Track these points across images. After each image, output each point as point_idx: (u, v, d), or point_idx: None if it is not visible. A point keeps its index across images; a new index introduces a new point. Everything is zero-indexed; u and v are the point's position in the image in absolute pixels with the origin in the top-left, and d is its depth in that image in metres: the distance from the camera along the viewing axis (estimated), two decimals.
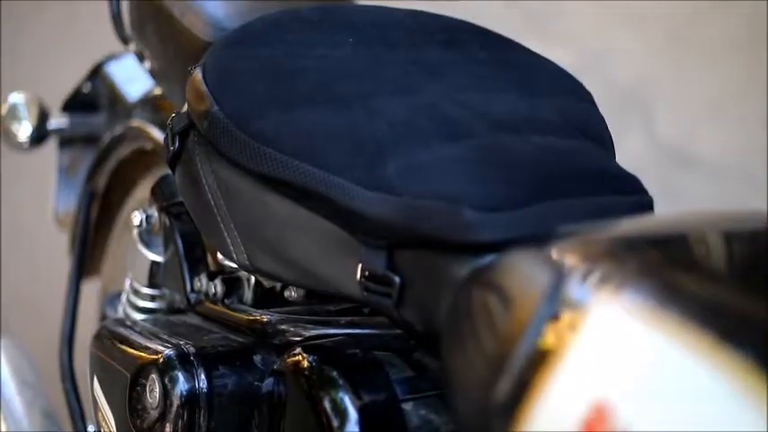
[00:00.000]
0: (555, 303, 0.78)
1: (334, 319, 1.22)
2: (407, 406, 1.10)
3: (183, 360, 1.21)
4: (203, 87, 1.17)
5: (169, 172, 1.44)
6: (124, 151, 1.73)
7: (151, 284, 1.45)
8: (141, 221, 1.42)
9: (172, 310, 1.45)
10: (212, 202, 1.19)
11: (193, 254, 1.37)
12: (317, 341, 1.17)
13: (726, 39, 2.66)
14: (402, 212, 1.04)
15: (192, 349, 1.22)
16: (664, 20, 2.75)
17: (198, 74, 1.19)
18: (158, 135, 1.60)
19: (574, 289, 0.79)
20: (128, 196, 1.79)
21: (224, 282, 1.32)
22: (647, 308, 0.75)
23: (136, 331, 1.32)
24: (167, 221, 1.40)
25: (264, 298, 1.31)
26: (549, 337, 0.77)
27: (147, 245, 1.44)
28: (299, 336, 1.22)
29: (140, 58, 1.57)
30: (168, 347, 1.23)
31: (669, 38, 2.70)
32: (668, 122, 2.60)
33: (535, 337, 0.78)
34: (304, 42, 1.24)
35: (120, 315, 1.50)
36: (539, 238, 0.99)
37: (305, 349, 1.15)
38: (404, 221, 1.04)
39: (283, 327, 1.23)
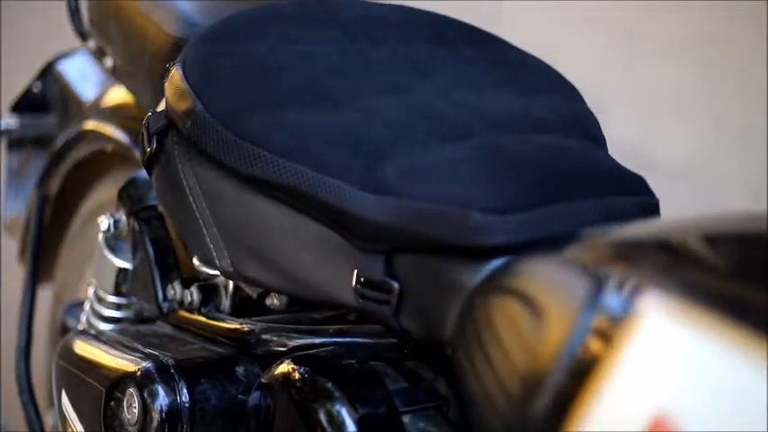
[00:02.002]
0: (594, 313, 0.74)
1: (321, 327, 1.16)
2: (406, 418, 1.05)
3: (163, 373, 1.15)
4: (185, 85, 1.11)
5: (137, 174, 1.38)
6: (80, 153, 1.66)
7: (117, 292, 1.38)
8: (109, 226, 1.35)
9: (139, 319, 1.38)
10: (194, 206, 1.13)
11: (165, 260, 1.31)
12: (306, 351, 1.12)
13: (680, 38, 2.65)
14: (403, 216, 1.00)
15: (171, 361, 1.16)
16: (617, 20, 2.73)
17: (178, 71, 1.13)
18: (120, 136, 1.54)
19: (613, 297, 0.74)
20: (83, 200, 1.71)
21: (200, 289, 1.26)
22: (690, 311, 0.71)
23: (106, 342, 1.25)
24: (136, 226, 1.33)
25: (243, 306, 1.25)
26: (593, 349, 0.72)
27: (114, 251, 1.37)
28: (284, 346, 1.16)
29: (100, 55, 1.50)
30: (145, 359, 1.17)
31: (623, 38, 2.68)
32: (622, 122, 2.58)
33: (576, 349, 0.73)
34: (287, 38, 1.18)
35: (83, 324, 1.43)
36: (551, 242, 0.95)
37: (294, 360, 1.09)
38: (405, 225, 1.00)
39: (266, 336, 1.18)
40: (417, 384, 1.09)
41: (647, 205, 1.04)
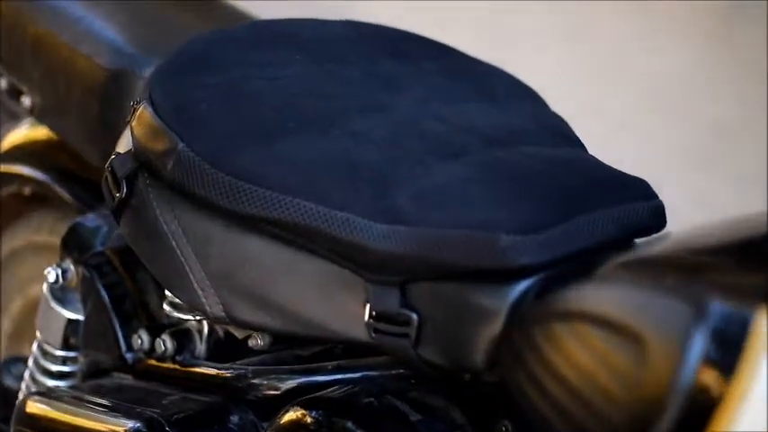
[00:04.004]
0: (705, 338, 0.71)
1: (317, 366, 1.11)
2: None
3: (156, 430, 1.07)
4: (159, 123, 1.05)
5: (78, 220, 1.31)
6: None
7: (67, 346, 1.30)
8: (57, 277, 1.27)
9: (91, 372, 1.29)
10: (177, 251, 1.06)
11: (123, 308, 1.23)
12: (313, 394, 1.06)
13: (539, 33, 2.67)
14: (422, 244, 0.96)
15: (160, 416, 1.09)
16: (469, 18, 2.73)
17: (146, 108, 1.06)
18: (40, 176, 1.44)
19: (722, 318, 0.72)
20: None
21: (172, 336, 1.18)
22: None
23: (71, 402, 1.17)
24: (87, 274, 1.25)
25: (219, 350, 1.18)
26: (712, 375, 0.70)
27: (62, 302, 1.28)
28: (277, 389, 1.11)
29: (15, 94, 1.40)
30: (130, 417, 1.10)
31: (477, 35, 2.68)
32: None
33: (693, 378, 0.70)
34: (251, 64, 1.13)
35: (27, 381, 1.34)
36: (585, 259, 0.93)
37: (303, 404, 1.04)
38: (424, 253, 0.96)
39: (256, 381, 1.12)
40: (434, 414, 1.05)
41: (658, 209, 1.02)
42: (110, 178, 1.09)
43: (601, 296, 0.82)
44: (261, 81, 1.10)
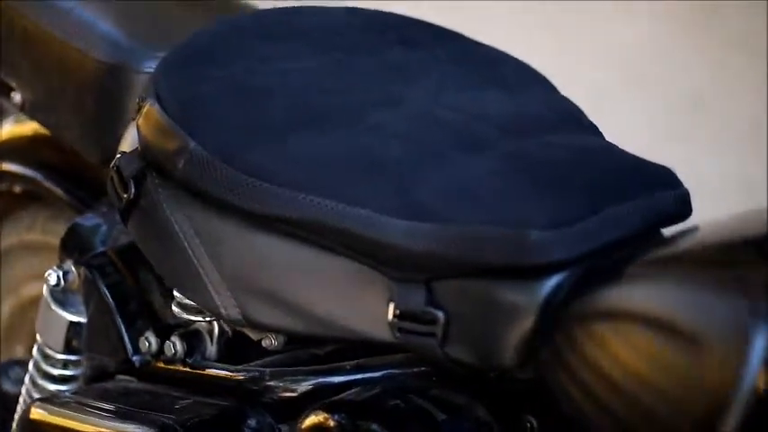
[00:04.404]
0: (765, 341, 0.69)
1: (336, 366, 1.08)
2: None
3: None
4: (167, 121, 1.01)
5: (76, 220, 1.27)
6: None
7: (69, 349, 1.26)
8: (58, 280, 1.23)
9: (94, 376, 1.26)
10: (190, 252, 1.03)
11: (127, 309, 1.19)
12: (336, 397, 1.03)
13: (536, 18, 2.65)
14: (445, 240, 0.94)
15: (176, 423, 1.06)
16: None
17: (154, 106, 1.03)
18: (32, 174, 1.40)
19: None
20: None
21: (182, 337, 1.15)
22: None
23: (80, 408, 1.13)
24: (89, 276, 1.21)
25: (231, 351, 1.15)
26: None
27: (63, 304, 1.25)
28: (294, 391, 1.07)
29: (5, 91, 1.36)
30: (143, 424, 1.06)
31: (478, 19, 2.66)
32: None
33: (756, 375, 0.68)
34: (258, 56, 1.10)
35: (28, 386, 1.30)
36: (616, 250, 0.91)
37: (325, 408, 1.01)
38: (451, 251, 0.93)
39: (272, 383, 1.08)
40: (459, 412, 1.02)
41: (684, 197, 1.00)
42: (116, 178, 1.06)
43: (644, 295, 0.80)
44: (269, 75, 1.07)
